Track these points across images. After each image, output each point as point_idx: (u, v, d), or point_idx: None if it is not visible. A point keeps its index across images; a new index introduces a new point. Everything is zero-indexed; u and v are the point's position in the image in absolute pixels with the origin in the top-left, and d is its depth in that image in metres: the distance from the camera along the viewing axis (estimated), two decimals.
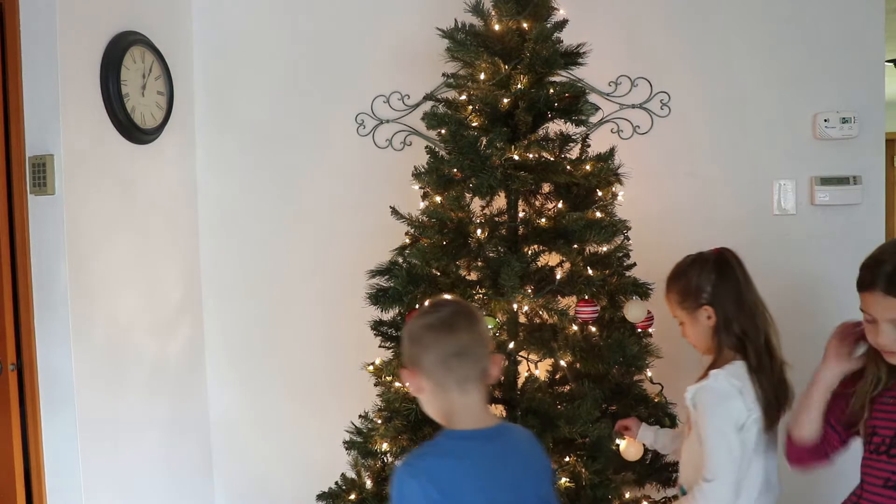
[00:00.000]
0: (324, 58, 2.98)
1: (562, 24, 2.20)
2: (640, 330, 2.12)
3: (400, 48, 2.87)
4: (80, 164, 2.45)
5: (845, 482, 1.67)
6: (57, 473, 2.43)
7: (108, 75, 2.54)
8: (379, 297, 2.16)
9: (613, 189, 2.20)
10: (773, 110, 2.64)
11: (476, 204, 2.18)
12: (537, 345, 2.08)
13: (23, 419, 2.43)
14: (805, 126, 2.62)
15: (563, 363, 2.09)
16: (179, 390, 2.96)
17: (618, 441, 2.06)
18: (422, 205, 2.20)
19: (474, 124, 2.15)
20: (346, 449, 2.28)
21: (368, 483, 2.24)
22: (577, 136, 2.25)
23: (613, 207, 2.18)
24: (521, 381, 2.17)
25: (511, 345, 2.12)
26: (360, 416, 2.35)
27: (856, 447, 1.64)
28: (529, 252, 2.11)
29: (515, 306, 2.10)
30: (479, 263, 2.09)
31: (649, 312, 2.09)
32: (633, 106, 2.71)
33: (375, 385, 2.28)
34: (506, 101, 2.09)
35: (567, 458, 2.03)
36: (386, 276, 2.17)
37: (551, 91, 2.08)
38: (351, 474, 2.33)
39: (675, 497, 1.94)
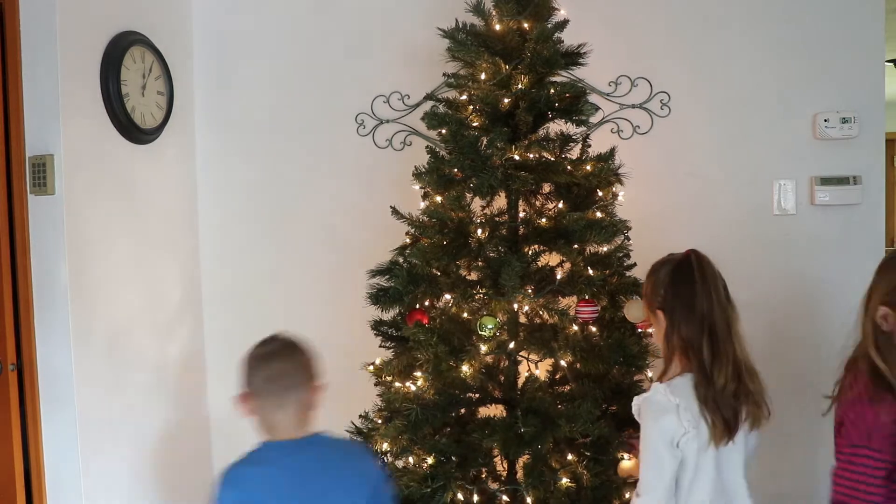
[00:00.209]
0: (324, 58, 2.98)
1: (562, 25, 2.21)
2: (640, 330, 2.12)
3: (400, 48, 2.87)
4: (80, 164, 2.45)
5: None
6: (57, 473, 2.43)
7: (108, 75, 2.54)
8: (379, 297, 2.16)
9: (614, 189, 2.20)
10: (773, 110, 2.64)
11: (476, 204, 2.18)
12: (538, 345, 2.08)
13: (23, 419, 2.43)
14: (805, 126, 2.63)
15: (563, 363, 2.09)
16: (179, 390, 2.96)
17: (623, 455, 2.04)
18: (422, 205, 2.20)
19: (475, 124, 2.15)
20: None
21: None
22: (578, 136, 2.25)
23: (614, 207, 2.18)
24: (521, 380, 2.17)
25: (511, 345, 2.12)
26: (360, 416, 2.36)
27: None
28: (530, 252, 2.11)
29: (516, 306, 2.10)
30: (480, 263, 2.09)
31: None
32: (633, 106, 2.71)
33: (375, 385, 2.28)
34: (506, 101, 2.10)
35: (570, 457, 2.03)
36: (386, 276, 2.17)
37: (552, 91, 2.08)
38: None
39: None
